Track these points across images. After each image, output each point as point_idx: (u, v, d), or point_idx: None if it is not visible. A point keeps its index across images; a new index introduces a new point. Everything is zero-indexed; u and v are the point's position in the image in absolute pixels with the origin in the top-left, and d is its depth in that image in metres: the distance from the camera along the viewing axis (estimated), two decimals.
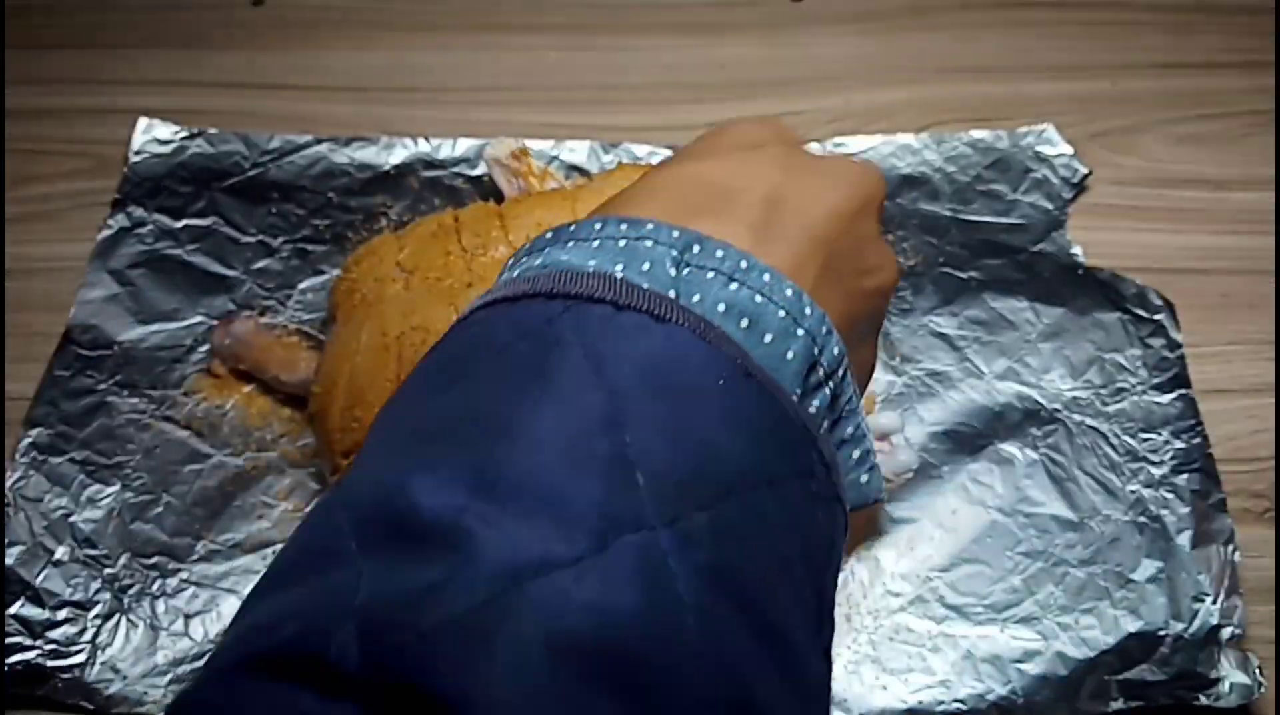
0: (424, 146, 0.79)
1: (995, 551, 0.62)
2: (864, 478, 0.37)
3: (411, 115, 0.83)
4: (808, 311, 0.33)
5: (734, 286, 0.33)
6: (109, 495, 0.64)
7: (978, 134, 0.79)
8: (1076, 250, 0.74)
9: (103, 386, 0.68)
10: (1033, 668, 0.59)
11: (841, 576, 0.62)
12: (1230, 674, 0.58)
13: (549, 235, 0.35)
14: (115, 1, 0.90)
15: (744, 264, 0.33)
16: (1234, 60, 0.85)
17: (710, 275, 0.33)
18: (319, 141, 0.79)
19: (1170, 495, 0.64)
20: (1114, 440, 0.66)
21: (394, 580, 0.26)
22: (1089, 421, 0.67)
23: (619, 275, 0.32)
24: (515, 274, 0.35)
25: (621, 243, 0.33)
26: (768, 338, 0.32)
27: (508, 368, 0.30)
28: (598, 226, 0.34)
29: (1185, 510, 0.63)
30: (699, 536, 0.27)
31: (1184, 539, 0.62)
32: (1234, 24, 0.87)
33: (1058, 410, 0.67)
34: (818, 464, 0.32)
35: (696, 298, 0.32)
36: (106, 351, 0.70)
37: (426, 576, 0.25)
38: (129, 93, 0.84)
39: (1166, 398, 0.67)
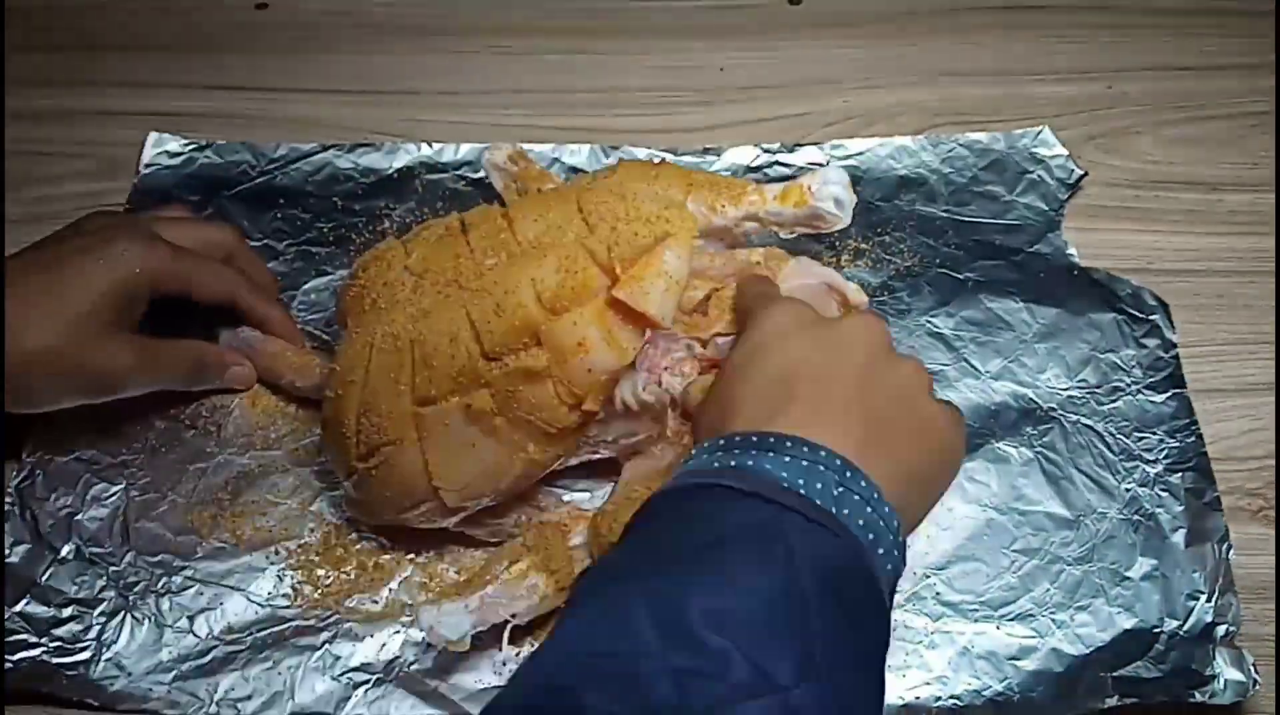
0: (426, 150, 0.80)
1: (991, 549, 0.63)
2: None
3: (414, 119, 0.83)
4: (898, 538, 0.47)
5: (869, 510, 0.46)
6: (114, 494, 0.65)
7: (974, 136, 0.80)
8: (1072, 251, 0.74)
9: None
10: (1029, 664, 0.59)
11: None
12: (1225, 671, 0.58)
13: (753, 439, 0.48)
14: (119, 4, 0.91)
15: (875, 495, 0.47)
16: (1228, 63, 0.86)
17: (857, 498, 0.46)
18: (324, 148, 0.80)
19: (1165, 494, 0.64)
20: (1109, 439, 0.66)
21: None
22: (1084, 420, 0.67)
23: (803, 492, 0.45)
24: (730, 464, 0.47)
25: (804, 463, 0.46)
26: (880, 550, 0.46)
27: (742, 543, 0.44)
28: (788, 444, 0.47)
29: (1179, 509, 0.63)
30: (844, 688, 0.41)
31: (1178, 537, 0.62)
32: (1228, 27, 0.88)
33: (1053, 409, 0.68)
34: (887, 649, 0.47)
35: (846, 511, 0.46)
36: None
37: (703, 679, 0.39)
38: (132, 95, 0.85)
39: (1161, 397, 0.68)
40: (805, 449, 0.47)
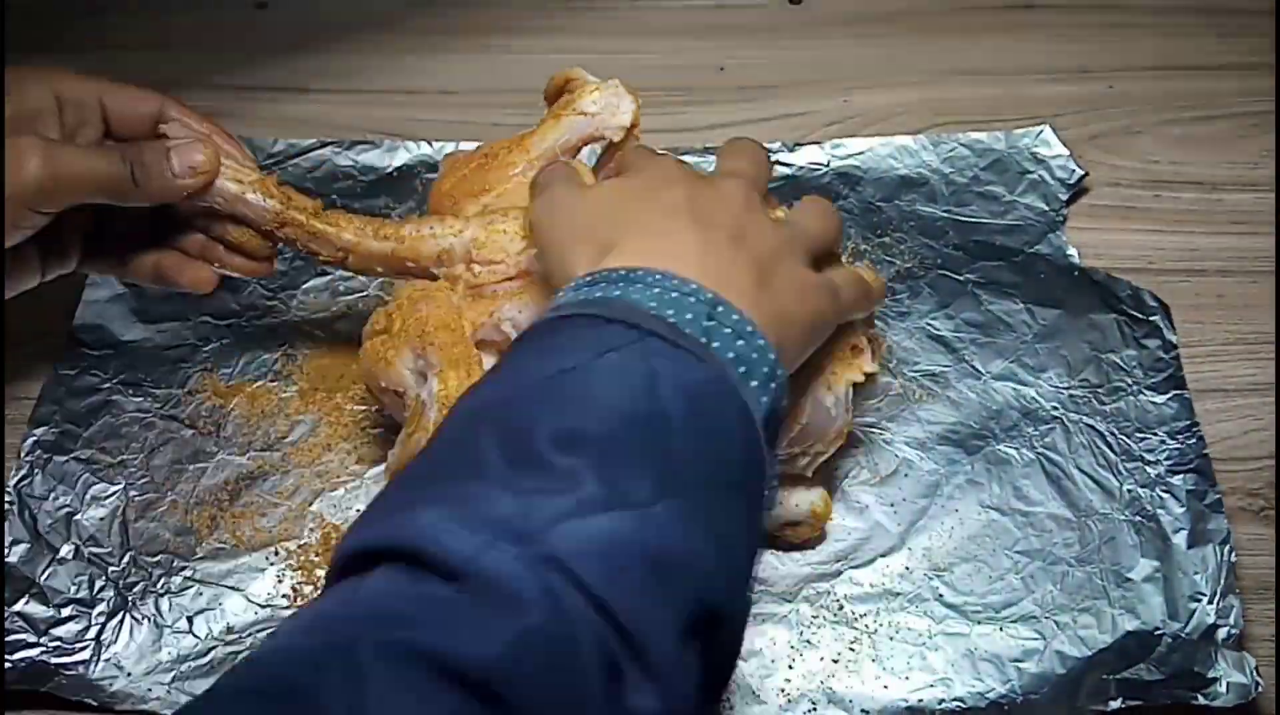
0: (425, 149, 0.80)
1: (993, 550, 0.63)
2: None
3: (413, 118, 0.83)
4: (779, 372, 0.46)
5: (741, 342, 0.45)
6: (113, 493, 0.65)
7: (975, 135, 0.80)
8: (1072, 251, 0.74)
9: (107, 386, 0.69)
10: (1031, 666, 0.59)
11: (842, 576, 0.62)
12: (1227, 673, 0.58)
13: (623, 272, 0.47)
14: (118, 4, 0.91)
15: (749, 328, 0.45)
16: (1230, 62, 0.86)
17: (728, 331, 0.45)
18: (322, 144, 0.80)
19: (1166, 495, 0.64)
20: (1110, 440, 0.66)
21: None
22: (1085, 421, 0.67)
23: (672, 320, 0.44)
24: (595, 295, 0.46)
25: (674, 294, 0.45)
26: (753, 383, 0.45)
27: (603, 367, 0.42)
28: (658, 276, 0.46)
29: (1181, 510, 0.63)
30: (709, 508, 0.41)
31: (1180, 539, 0.62)
32: (1230, 27, 0.88)
33: (1055, 409, 0.68)
34: (765, 485, 0.45)
35: (717, 344, 0.44)
36: (111, 351, 0.70)
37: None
38: None
39: (1162, 398, 0.67)
40: (675, 281, 0.46)
